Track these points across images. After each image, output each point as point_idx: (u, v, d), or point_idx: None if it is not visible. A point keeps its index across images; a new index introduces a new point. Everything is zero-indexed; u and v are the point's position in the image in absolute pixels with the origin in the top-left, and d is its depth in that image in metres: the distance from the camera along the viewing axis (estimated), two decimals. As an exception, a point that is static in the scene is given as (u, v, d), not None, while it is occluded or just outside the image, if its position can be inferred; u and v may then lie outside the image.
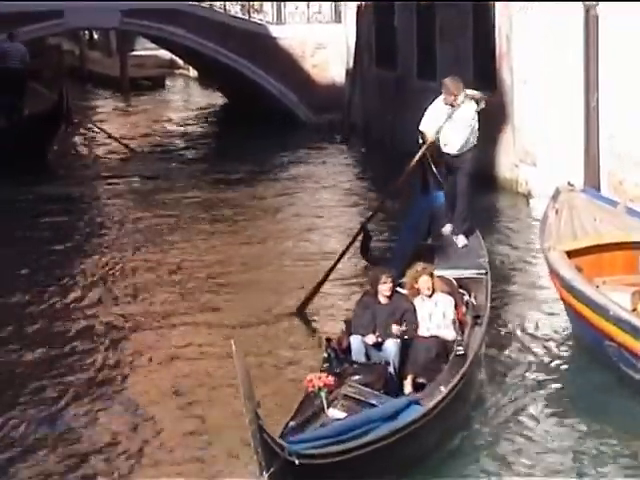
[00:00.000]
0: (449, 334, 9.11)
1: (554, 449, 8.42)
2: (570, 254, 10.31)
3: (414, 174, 11.54)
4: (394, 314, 9.03)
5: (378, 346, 8.80)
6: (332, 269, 11.98)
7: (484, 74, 18.21)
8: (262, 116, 25.44)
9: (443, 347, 8.89)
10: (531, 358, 10.28)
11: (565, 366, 10.21)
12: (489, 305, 9.83)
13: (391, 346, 8.70)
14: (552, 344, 10.66)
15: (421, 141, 11.46)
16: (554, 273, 10.34)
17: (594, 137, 15.10)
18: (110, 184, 19.77)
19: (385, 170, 19.64)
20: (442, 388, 8.22)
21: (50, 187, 19.23)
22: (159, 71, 36.41)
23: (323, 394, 7.76)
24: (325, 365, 8.55)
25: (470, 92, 11.43)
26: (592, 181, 14.71)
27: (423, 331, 9.09)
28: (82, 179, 20.45)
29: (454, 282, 9.83)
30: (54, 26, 26.30)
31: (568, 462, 8.21)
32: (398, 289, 9.37)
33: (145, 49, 37.78)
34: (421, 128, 11.40)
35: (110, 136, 23.22)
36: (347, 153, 22.74)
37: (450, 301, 9.38)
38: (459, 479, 8.01)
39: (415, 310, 9.17)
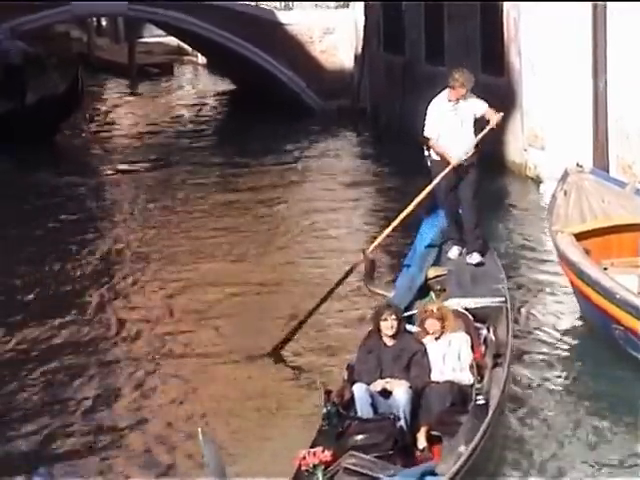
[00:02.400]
0: (466, 378, 8.06)
1: (571, 447, 8.26)
2: (578, 236, 10.28)
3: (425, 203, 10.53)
4: (401, 357, 8.00)
5: (386, 394, 7.76)
6: (320, 305, 10.38)
7: (492, 58, 18.16)
8: (270, 102, 25.41)
9: (459, 394, 7.81)
10: (539, 343, 10.26)
11: (574, 350, 10.20)
12: (511, 340, 8.70)
13: (401, 395, 7.63)
14: (561, 327, 10.66)
15: (426, 152, 10.44)
16: (562, 256, 10.33)
17: (603, 120, 15.05)
18: (118, 169, 19.78)
19: (394, 155, 19.68)
20: (462, 448, 7.12)
21: (58, 171, 19.31)
22: (167, 58, 36.35)
23: (320, 473, 6.72)
24: (325, 423, 7.41)
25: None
26: (601, 164, 14.66)
27: (436, 375, 8.05)
28: (90, 164, 20.53)
29: (469, 316, 8.76)
30: (61, 13, 26.30)
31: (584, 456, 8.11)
32: (408, 326, 8.39)
33: (153, 36, 37.71)
34: (426, 134, 10.35)
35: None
36: (356, 138, 22.70)
37: (466, 340, 8.32)
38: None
39: (426, 351, 8.11)
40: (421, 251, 10.35)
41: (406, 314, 8.69)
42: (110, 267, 13.59)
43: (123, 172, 19.56)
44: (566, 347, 10.22)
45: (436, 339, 8.22)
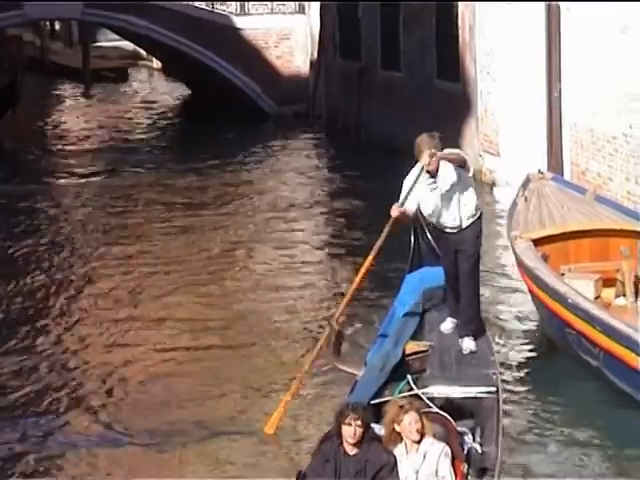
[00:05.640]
0: None
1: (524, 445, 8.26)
2: (537, 242, 10.32)
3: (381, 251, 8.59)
4: (365, 470, 6.47)
5: None
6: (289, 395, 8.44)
7: (447, 64, 18.26)
8: (226, 107, 25.36)
9: None
10: (495, 348, 10.25)
11: (530, 356, 10.21)
12: (500, 448, 7.10)
13: None
14: (518, 334, 10.68)
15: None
16: (519, 261, 10.37)
17: (557, 126, 15.17)
18: (62, 175, 19.56)
19: (350, 162, 19.68)
20: None
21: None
22: (122, 62, 36.19)
23: None
24: None
25: (444, 154, 8.26)
26: (556, 170, 14.74)
27: None
28: (29, 168, 20.30)
29: (451, 421, 7.10)
30: (14, 17, 26.08)
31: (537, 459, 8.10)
32: (376, 427, 6.84)
33: (108, 40, 37.55)
34: (402, 206, 8.44)
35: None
36: (311, 144, 22.68)
37: (445, 452, 6.67)
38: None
39: (396, 465, 6.52)
40: (399, 319, 8.72)
41: (374, 402, 7.30)
42: (37, 291, 12.82)
43: (67, 178, 19.29)
44: (522, 354, 10.20)
45: (408, 449, 6.68)
